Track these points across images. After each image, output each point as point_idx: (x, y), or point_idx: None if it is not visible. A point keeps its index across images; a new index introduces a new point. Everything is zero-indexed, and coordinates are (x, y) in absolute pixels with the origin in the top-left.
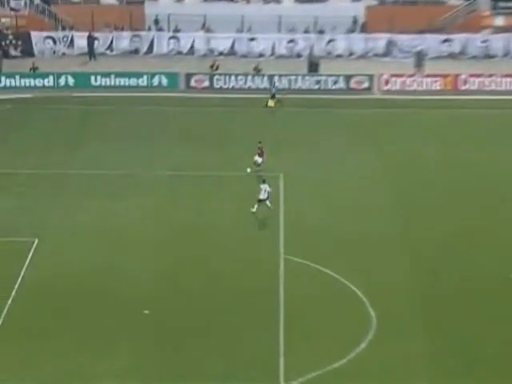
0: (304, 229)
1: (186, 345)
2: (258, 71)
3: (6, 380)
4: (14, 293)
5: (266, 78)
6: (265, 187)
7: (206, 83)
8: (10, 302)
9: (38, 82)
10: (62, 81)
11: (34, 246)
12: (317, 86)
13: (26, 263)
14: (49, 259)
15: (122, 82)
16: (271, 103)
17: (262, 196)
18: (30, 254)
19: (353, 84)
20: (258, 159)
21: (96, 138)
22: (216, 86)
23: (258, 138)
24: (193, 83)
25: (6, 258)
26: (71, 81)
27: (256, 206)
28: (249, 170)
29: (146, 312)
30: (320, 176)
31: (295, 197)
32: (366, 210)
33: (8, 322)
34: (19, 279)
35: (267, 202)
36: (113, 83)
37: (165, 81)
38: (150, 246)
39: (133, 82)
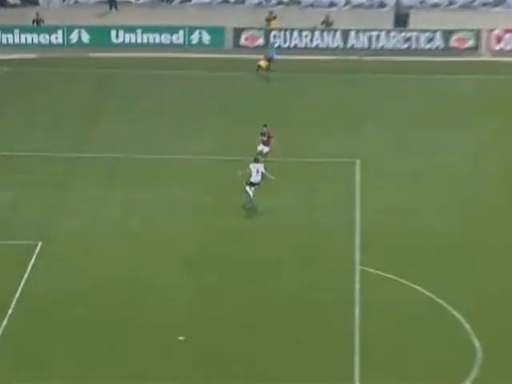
0: (386, 233)
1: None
2: (328, 25)
3: None
4: (10, 311)
5: (338, 35)
6: (257, 167)
7: (260, 41)
8: (5, 322)
9: (44, 39)
10: (73, 37)
11: (37, 250)
12: (405, 45)
13: (27, 272)
14: (55, 268)
15: (151, 38)
16: (264, 63)
17: (254, 179)
18: (32, 260)
19: (453, 42)
20: (264, 148)
21: (117, 112)
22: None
23: (325, 113)
24: (243, 41)
25: (3, 265)
26: (86, 37)
27: (248, 188)
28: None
29: (181, 338)
30: (409, 163)
31: (376, 190)
32: (470, 208)
33: (3, 348)
34: (18, 293)
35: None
36: (139, 40)
37: (207, 38)
38: (186, 253)
39: (165, 39)
